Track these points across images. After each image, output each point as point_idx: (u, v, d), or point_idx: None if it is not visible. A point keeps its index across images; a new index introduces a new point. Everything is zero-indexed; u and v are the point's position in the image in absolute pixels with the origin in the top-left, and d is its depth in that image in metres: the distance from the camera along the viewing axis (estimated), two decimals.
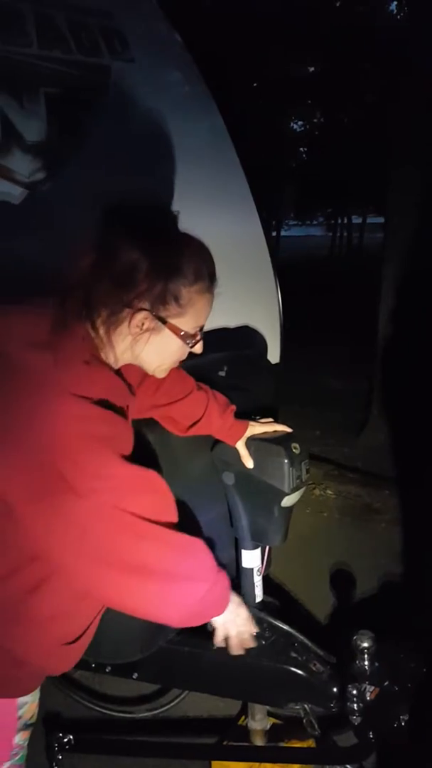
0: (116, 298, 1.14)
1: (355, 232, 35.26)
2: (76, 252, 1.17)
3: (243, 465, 1.56)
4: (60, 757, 1.71)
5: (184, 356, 1.28)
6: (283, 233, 34.39)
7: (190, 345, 1.24)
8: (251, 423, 1.58)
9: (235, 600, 1.31)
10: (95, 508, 1.06)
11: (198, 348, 1.27)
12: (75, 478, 1.03)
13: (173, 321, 1.19)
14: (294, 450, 1.53)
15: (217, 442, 1.62)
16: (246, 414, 1.61)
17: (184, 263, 1.17)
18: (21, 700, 1.26)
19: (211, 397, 1.58)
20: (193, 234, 1.23)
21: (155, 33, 2.32)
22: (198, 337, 1.25)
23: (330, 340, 8.24)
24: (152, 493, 1.15)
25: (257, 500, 1.58)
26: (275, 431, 1.59)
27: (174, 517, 1.17)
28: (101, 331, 1.16)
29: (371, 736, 1.38)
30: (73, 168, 1.90)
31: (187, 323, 1.21)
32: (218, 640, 1.35)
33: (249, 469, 1.55)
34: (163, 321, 1.19)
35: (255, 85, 14.20)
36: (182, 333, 1.21)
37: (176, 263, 1.17)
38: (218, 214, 2.26)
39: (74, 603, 1.23)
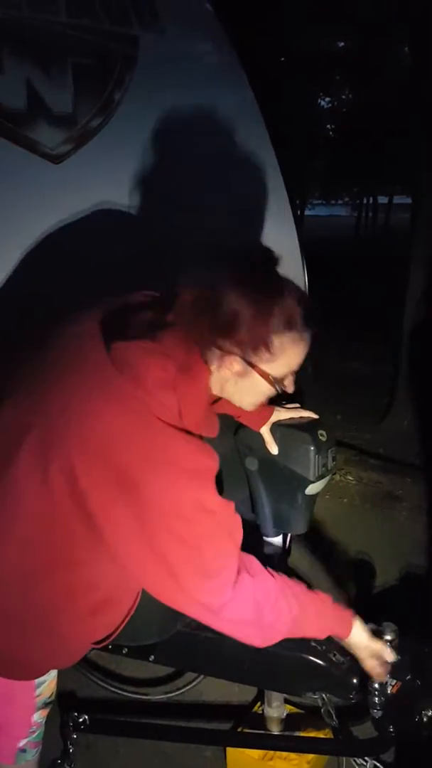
0: (212, 342, 1.14)
1: (381, 212, 34.72)
2: (175, 282, 1.16)
3: (267, 451, 1.53)
4: (74, 736, 1.71)
5: (274, 394, 1.26)
6: (307, 212, 33.87)
7: (278, 389, 1.22)
8: (277, 408, 1.55)
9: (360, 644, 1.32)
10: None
11: (289, 388, 1.24)
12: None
13: (263, 366, 1.17)
14: (320, 437, 1.50)
15: (240, 426, 1.59)
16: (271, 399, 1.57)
17: (280, 312, 1.14)
18: (39, 679, 1.26)
19: None
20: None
21: (186, 3, 2.25)
22: (288, 380, 1.23)
23: (355, 323, 8.12)
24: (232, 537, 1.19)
25: (281, 487, 1.55)
26: (301, 417, 1.56)
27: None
28: None
29: (391, 730, 1.35)
30: (99, 141, 1.85)
31: (277, 369, 1.18)
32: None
33: (273, 456, 1.52)
34: (252, 366, 1.17)
35: (282, 59, 13.90)
36: (271, 377, 1.19)
37: (274, 312, 1.14)
38: (246, 190, 2.21)
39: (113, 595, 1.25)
